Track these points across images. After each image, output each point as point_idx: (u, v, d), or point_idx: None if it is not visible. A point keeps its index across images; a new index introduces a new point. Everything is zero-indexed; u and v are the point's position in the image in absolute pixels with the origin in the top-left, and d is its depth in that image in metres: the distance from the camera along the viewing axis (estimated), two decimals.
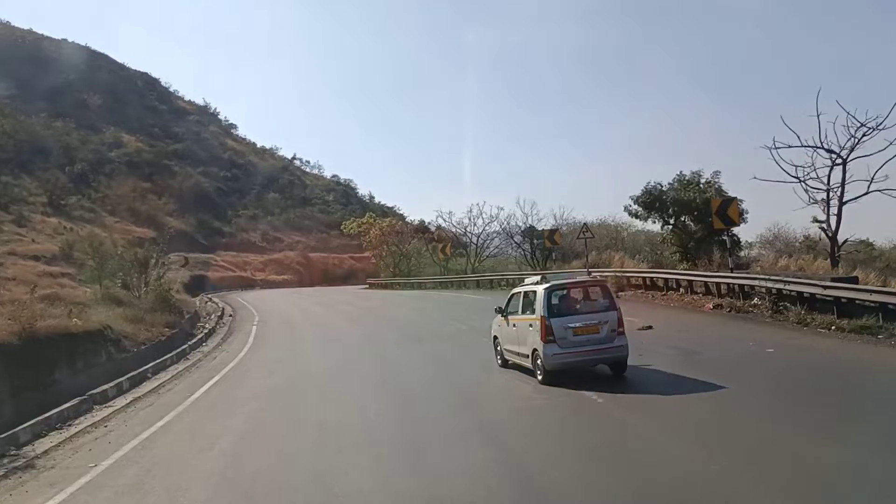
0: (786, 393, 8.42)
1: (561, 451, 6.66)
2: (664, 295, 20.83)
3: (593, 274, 26.44)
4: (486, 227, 43.96)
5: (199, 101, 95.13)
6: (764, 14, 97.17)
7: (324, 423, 8.73)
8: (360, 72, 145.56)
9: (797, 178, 19.52)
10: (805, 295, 14.41)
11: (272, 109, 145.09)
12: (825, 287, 13.62)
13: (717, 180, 24.55)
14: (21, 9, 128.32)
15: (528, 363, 10.26)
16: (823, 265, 19.57)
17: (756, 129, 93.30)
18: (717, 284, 18.61)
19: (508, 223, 41.50)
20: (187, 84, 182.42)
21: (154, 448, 8.07)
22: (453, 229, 46.91)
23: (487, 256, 44.98)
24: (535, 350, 9.83)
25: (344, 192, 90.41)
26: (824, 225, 19.37)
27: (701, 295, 19.35)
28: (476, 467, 6.26)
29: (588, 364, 9.84)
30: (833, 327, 12.68)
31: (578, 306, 10.19)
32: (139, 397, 11.79)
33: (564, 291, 10.22)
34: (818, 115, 18.84)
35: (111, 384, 12.05)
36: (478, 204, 57.37)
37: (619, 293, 23.19)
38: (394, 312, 25.05)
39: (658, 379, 9.59)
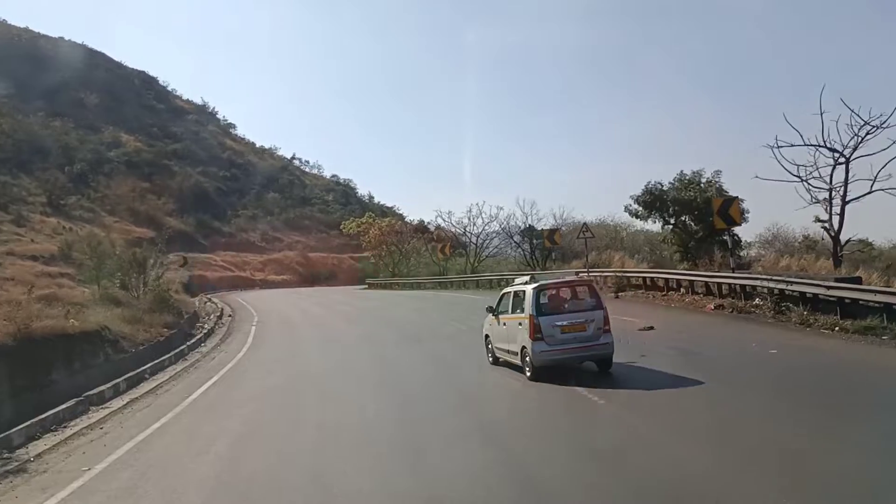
0: (789, 394, 8.31)
1: (565, 453, 6.54)
2: (665, 295, 20.72)
3: (593, 274, 26.42)
4: (486, 227, 43.93)
5: (198, 101, 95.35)
6: (764, 14, 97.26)
7: (323, 423, 8.64)
8: (360, 71, 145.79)
9: (799, 177, 19.42)
10: (808, 295, 14.31)
11: (271, 109, 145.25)
12: (828, 287, 13.51)
13: (717, 180, 24.50)
14: (17, 6, 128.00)
15: (517, 360, 10.52)
16: (825, 265, 19.46)
17: (756, 128, 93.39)
18: (719, 284, 18.51)
19: (508, 223, 41.49)
20: (185, 83, 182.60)
21: (150, 451, 7.94)
22: (453, 229, 46.88)
23: (487, 256, 44.88)
24: (524, 347, 10.12)
25: (343, 192, 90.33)
26: (826, 224, 19.24)
27: (702, 295, 19.25)
28: (476, 467, 6.22)
29: (575, 361, 10.11)
30: (836, 328, 12.57)
31: (566, 305, 10.51)
32: (136, 398, 11.66)
33: (552, 291, 10.64)
34: (821, 114, 18.73)
35: (108, 385, 11.92)
36: (477, 204, 57.20)
37: (620, 293, 23.16)
38: (393, 312, 24.95)
39: (661, 380, 9.47)
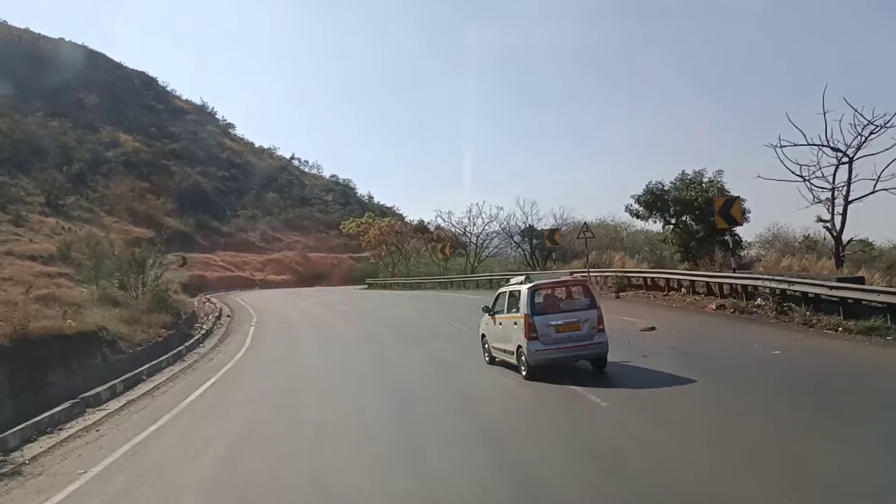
0: (794, 395, 8.22)
1: (564, 453, 6.45)
2: (665, 295, 20.64)
3: (593, 274, 26.36)
4: (486, 227, 43.83)
5: (197, 101, 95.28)
6: (764, 14, 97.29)
7: (322, 424, 8.58)
8: (360, 71, 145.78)
9: (802, 176, 19.29)
10: (810, 295, 14.23)
11: (270, 109, 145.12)
12: (831, 287, 13.42)
13: (719, 179, 24.37)
14: (17, 8, 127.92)
15: (513, 360, 10.61)
16: (827, 265, 19.35)
17: (756, 129, 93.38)
18: (720, 285, 18.42)
19: (508, 223, 41.40)
20: (184, 83, 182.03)
21: (146, 453, 7.83)
22: (453, 229, 46.77)
23: (487, 256, 44.79)
24: (519, 347, 10.22)
25: (343, 192, 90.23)
26: (829, 224, 19.10)
27: (703, 295, 19.17)
28: (475, 467, 6.18)
29: (570, 360, 10.21)
30: (840, 328, 12.49)
31: (561, 305, 10.62)
32: (133, 400, 11.56)
33: (547, 291, 10.77)
34: (825, 113, 18.60)
35: (104, 387, 11.81)
36: (477, 204, 57.15)
37: (620, 293, 23.08)
38: (393, 313, 24.85)
39: (663, 381, 9.37)
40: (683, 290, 20.22)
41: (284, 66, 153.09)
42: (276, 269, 62.88)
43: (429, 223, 55.55)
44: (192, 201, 64.54)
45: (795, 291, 14.75)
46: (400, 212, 74.82)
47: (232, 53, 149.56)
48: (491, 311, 11.61)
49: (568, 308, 10.44)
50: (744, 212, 20.49)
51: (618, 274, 24.72)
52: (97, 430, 9.36)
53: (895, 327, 11.56)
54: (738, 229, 22.30)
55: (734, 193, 22.00)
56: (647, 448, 6.45)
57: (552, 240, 30.68)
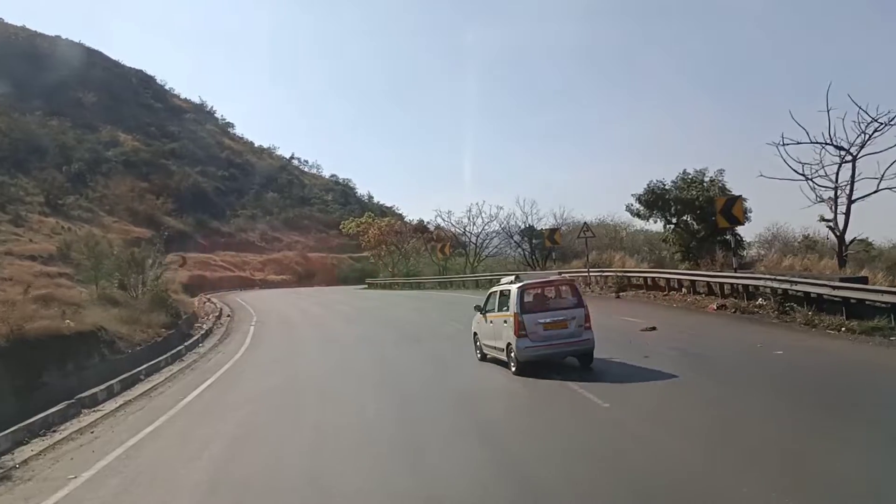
0: (796, 396, 8.11)
1: (562, 454, 6.36)
2: (666, 295, 20.54)
3: (593, 274, 26.26)
4: (486, 227, 43.71)
5: (195, 100, 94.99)
6: (764, 14, 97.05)
7: (321, 424, 8.54)
8: (360, 71, 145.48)
9: (804, 175, 19.11)
10: (812, 295, 14.13)
11: (270, 108, 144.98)
12: (834, 287, 13.31)
13: (720, 179, 24.23)
14: (14, 5, 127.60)
15: (503, 356, 10.96)
16: (829, 265, 19.21)
17: (756, 128, 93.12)
18: (721, 284, 18.33)
19: (508, 223, 41.28)
20: (183, 82, 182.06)
21: (140, 456, 7.70)
22: (452, 229, 46.65)
23: (487, 256, 44.67)
24: (509, 344, 10.57)
25: (343, 192, 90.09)
26: (832, 224, 18.93)
27: (704, 295, 19.07)
28: (476, 468, 6.14)
29: (557, 357, 10.54)
30: (843, 328, 12.38)
31: (549, 303, 11.03)
32: (130, 401, 11.43)
33: (536, 290, 11.14)
34: (828, 111, 18.39)
35: (101, 387, 11.68)
36: (477, 203, 57.04)
37: (621, 293, 22.98)
38: (393, 312, 24.76)
39: (665, 381, 9.27)
40: (684, 289, 20.12)
41: (284, 66, 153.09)
42: (275, 269, 62.81)
43: (428, 223, 55.49)
44: (191, 201, 64.42)
45: (797, 291, 14.64)
46: (400, 211, 74.86)
47: (231, 52, 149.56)
48: (483, 309, 11.91)
49: (556, 307, 10.83)
50: (745, 211, 20.36)
51: (618, 274, 24.61)
52: (91, 433, 9.23)
53: None
54: (739, 229, 22.17)
55: (735, 193, 21.85)
56: (649, 449, 6.34)
57: (552, 239, 30.58)
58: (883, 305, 12.21)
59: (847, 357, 10.43)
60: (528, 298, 10.74)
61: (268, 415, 9.69)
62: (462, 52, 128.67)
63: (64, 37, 78.50)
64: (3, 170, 43.81)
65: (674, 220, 25.55)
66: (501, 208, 45.69)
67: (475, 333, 12.50)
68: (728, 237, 21.90)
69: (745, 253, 25.71)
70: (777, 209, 53.65)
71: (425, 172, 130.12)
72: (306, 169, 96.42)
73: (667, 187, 25.09)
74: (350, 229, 54.86)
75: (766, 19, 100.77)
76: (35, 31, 75.51)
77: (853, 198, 18.39)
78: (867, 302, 12.73)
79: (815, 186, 19.05)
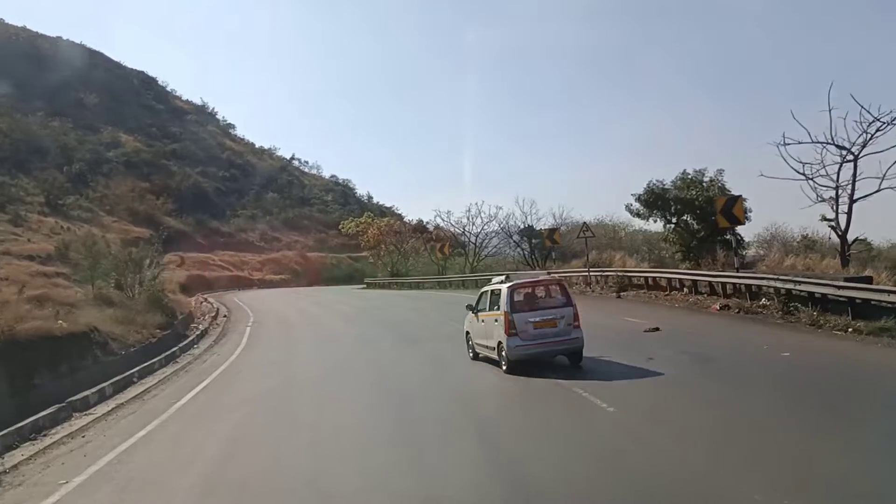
0: (807, 399, 7.90)
1: (577, 459, 6.16)
2: (667, 295, 20.35)
3: (593, 274, 26.07)
4: (485, 227, 43.51)
5: (197, 101, 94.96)
6: (764, 14, 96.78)
7: (319, 425, 8.46)
8: (360, 71, 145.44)
9: (805, 175, 18.91)
10: (816, 295, 13.92)
11: (271, 109, 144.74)
12: (839, 287, 13.11)
13: (720, 178, 24.03)
14: (15, 6, 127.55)
15: (494, 355, 11.11)
16: (831, 264, 19.00)
17: (756, 129, 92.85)
18: (723, 284, 18.13)
19: (507, 223, 41.08)
20: (184, 83, 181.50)
21: (132, 461, 7.51)
22: (452, 229, 46.46)
23: (486, 256, 44.50)
24: (500, 342, 10.71)
25: (342, 192, 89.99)
26: (833, 223, 18.72)
27: (705, 295, 18.89)
28: (474, 469, 6.09)
29: (547, 355, 10.65)
30: (849, 329, 12.18)
31: (538, 303, 11.16)
32: (122, 404, 11.23)
33: (526, 289, 11.25)
34: (829, 110, 18.18)
35: (93, 390, 11.46)
36: (476, 203, 56.92)
37: (621, 293, 22.78)
38: (392, 312, 24.59)
39: (671, 384, 9.09)
40: (686, 289, 19.93)
41: (284, 66, 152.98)
42: (274, 269, 62.69)
43: (428, 223, 55.26)
44: (191, 201, 64.31)
45: (801, 291, 14.44)
46: (399, 211, 74.60)
47: (232, 53, 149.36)
48: (474, 309, 12.05)
49: (545, 306, 10.99)
50: (745, 211, 20.17)
51: (619, 273, 24.42)
52: (83, 437, 9.04)
53: None
54: (739, 229, 21.99)
55: (734, 193, 21.63)
56: (657, 454, 6.18)
57: (552, 239, 30.39)
58: (889, 306, 12.00)
59: (857, 358, 10.21)
60: (518, 298, 10.86)
61: (264, 417, 9.54)
62: (462, 52, 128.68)
63: (65, 37, 78.55)
64: (3, 170, 43.67)
65: (674, 220, 25.36)
66: (501, 208, 45.46)
67: (467, 333, 12.64)
68: (729, 237, 21.69)
69: (744, 253, 25.52)
70: (775, 209, 53.34)
71: (425, 172, 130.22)
72: (306, 169, 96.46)
73: (666, 187, 24.91)
74: (349, 229, 54.74)
75: (766, 19, 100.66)
76: (36, 32, 75.42)
77: (855, 197, 18.19)
78: (873, 302, 12.53)
79: (817, 186, 18.88)
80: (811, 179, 18.85)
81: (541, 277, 12.42)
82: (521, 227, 38.90)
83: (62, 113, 62.40)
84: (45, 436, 9.17)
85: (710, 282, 18.90)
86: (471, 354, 12.39)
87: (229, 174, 77.04)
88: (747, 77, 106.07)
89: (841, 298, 13.15)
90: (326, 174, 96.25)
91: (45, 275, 23.05)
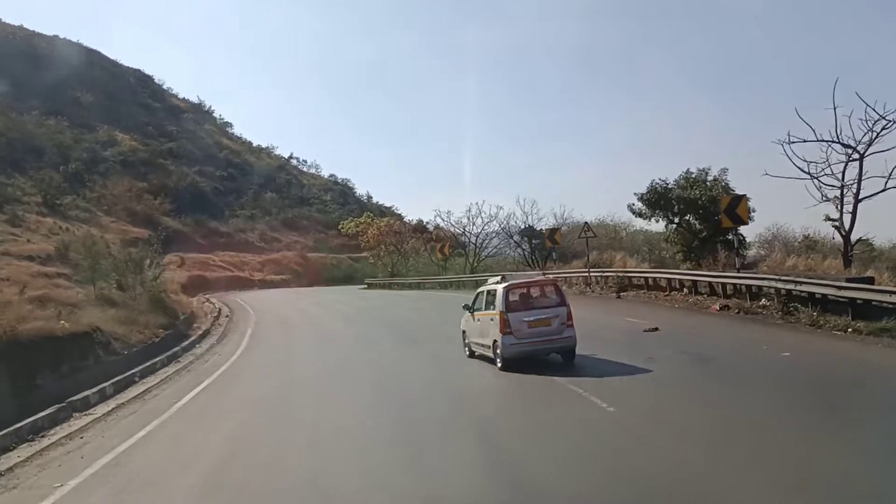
0: (806, 400, 7.89)
1: (581, 461, 6.13)
2: (667, 295, 20.34)
3: (593, 274, 26.05)
4: (485, 227, 43.45)
5: (194, 99, 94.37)
6: (764, 14, 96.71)
7: (319, 425, 8.43)
8: (359, 71, 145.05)
9: (809, 174, 18.84)
10: (817, 296, 13.91)
11: (268, 108, 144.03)
12: (840, 288, 13.10)
13: (724, 178, 24.01)
14: (11, 4, 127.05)
15: (490, 353, 11.36)
16: (833, 265, 18.97)
17: (756, 128, 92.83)
18: (723, 285, 18.11)
19: (508, 222, 41.04)
20: (181, 82, 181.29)
21: (130, 463, 7.44)
22: (452, 229, 46.41)
23: (486, 256, 44.45)
24: (495, 341, 11.01)
25: (342, 192, 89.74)
26: (837, 223, 18.66)
27: (706, 295, 18.88)
28: (474, 469, 6.07)
29: (541, 353, 10.89)
30: (849, 329, 12.18)
31: (533, 302, 11.43)
32: (123, 404, 11.16)
33: (521, 290, 11.52)
34: (834, 109, 18.11)
35: (93, 390, 11.39)
36: (477, 203, 56.82)
37: (621, 293, 22.76)
38: (392, 313, 24.56)
39: (671, 385, 9.08)
40: (686, 290, 19.92)
41: (283, 65, 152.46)
42: (275, 270, 62.58)
43: (428, 223, 55.22)
44: (190, 201, 64.06)
45: (802, 292, 14.43)
46: (399, 212, 74.51)
47: (230, 52, 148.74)
48: (471, 308, 12.33)
49: (540, 305, 11.25)
50: (749, 211, 20.15)
51: (619, 274, 24.40)
52: (81, 438, 8.96)
53: None
54: (741, 229, 21.96)
55: (736, 192, 21.58)
56: (657, 454, 6.15)
57: (553, 239, 30.36)
58: (890, 306, 11.98)
59: (857, 359, 10.20)
60: (513, 298, 11.11)
61: (265, 416, 9.51)
62: (462, 52, 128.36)
63: (62, 36, 78.03)
64: (0, 169, 43.55)
65: (676, 220, 25.33)
66: (501, 208, 45.38)
67: (464, 331, 12.93)
68: (731, 237, 21.68)
69: (746, 253, 25.51)
70: (777, 209, 53.48)
71: (425, 172, 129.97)
72: (305, 169, 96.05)
73: (669, 186, 24.88)
74: (349, 229, 54.66)
75: (766, 19, 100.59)
76: (33, 31, 75.04)
77: (860, 196, 18.12)
78: (874, 303, 12.52)
79: (821, 185, 18.81)
80: (816, 178, 18.81)
81: (536, 278, 12.69)
82: (522, 227, 38.93)
83: (59, 112, 62.09)
84: (42, 437, 9.07)
85: (710, 282, 18.90)
86: (467, 352, 12.67)
87: (227, 173, 76.77)
88: (747, 77, 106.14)
89: (842, 299, 13.14)
90: (325, 173, 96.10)
91: (46, 275, 22.98)
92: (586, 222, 28.92)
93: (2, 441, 8.55)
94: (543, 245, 34.34)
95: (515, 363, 10.66)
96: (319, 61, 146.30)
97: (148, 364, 14.53)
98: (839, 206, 18.50)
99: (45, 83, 60.35)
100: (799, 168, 18.89)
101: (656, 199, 24.85)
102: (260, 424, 9.02)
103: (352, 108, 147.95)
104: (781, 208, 51.75)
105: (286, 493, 5.95)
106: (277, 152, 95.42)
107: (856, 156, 18.12)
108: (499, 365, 10.92)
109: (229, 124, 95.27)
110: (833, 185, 18.62)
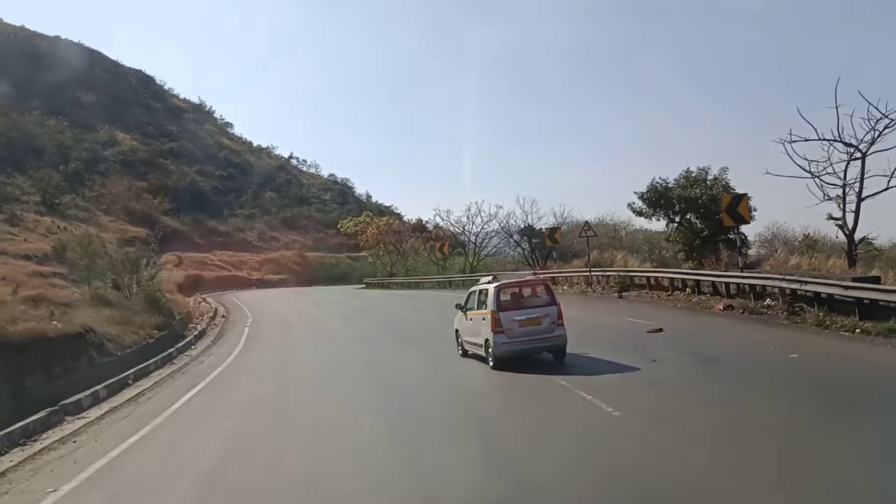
0: (817, 402, 7.68)
1: (586, 464, 5.93)
2: (670, 295, 20.14)
3: (594, 273, 25.86)
4: (485, 226, 43.27)
5: (194, 100, 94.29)
6: (764, 14, 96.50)
7: (317, 426, 8.34)
8: (359, 71, 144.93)
9: (811, 172, 18.64)
10: (822, 295, 13.71)
11: (269, 108, 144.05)
12: (846, 287, 12.90)
13: (724, 177, 23.82)
14: (13, 5, 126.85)
15: (482, 352, 11.45)
16: (837, 264, 18.76)
17: (756, 128, 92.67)
18: (727, 284, 17.91)
19: (507, 222, 40.85)
20: (182, 82, 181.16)
21: (124, 468, 7.27)
22: (451, 228, 46.21)
23: (486, 256, 44.27)
24: (486, 340, 11.06)
25: (341, 192, 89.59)
26: (840, 222, 18.46)
27: (709, 295, 18.68)
28: (474, 469, 6.02)
29: (532, 352, 10.95)
30: (857, 330, 11.96)
31: (524, 302, 11.53)
32: (116, 407, 10.96)
33: (512, 289, 11.68)
34: (836, 107, 17.89)
35: (86, 393, 11.19)
36: (476, 202, 56.66)
37: (623, 293, 22.55)
38: (390, 312, 24.40)
39: (678, 388, 8.88)
40: (688, 289, 19.73)
41: (283, 66, 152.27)
42: (273, 269, 62.39)
43: (427, 222, 55.02)
44: (189, 200, 63.92)
45: (807, 291, 14.23)
46: (398, 211, 74.35)
47: (230, 52, 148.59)
48: (463, 308, 12.41)
49: (531, 305, 11.34)
50: (750, 210, 19.95)
51: (620, 273, 24.20)
52: (74, 442, 8.79)
53: None
54: (743, 228, 21.76)
55: (737, 192, 21.38)
56: (660, 455, 6.02)
57: (553, 238, 30.17)
58: None
59: (866, 360, 9.98)
60: (504, 297, 11.24)
61: (263, 417, 9.40)
62: (462, 52, 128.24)
63: (63, 37, 77.99)
64: None
65: (677, 219, 25.16)
66: (501, 207, 45.17)
67: (457, 330, 12.98)
68: (732, 236, 21.49)
69: (747, 252, 25.32)
70: (776, 208, 53.33)
71: (424, 172, 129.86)
72: (304, 168, 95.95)
73: (670, 185, 24.69)
74: (348, 229, 54.51)
75: (766, 19, 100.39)
76: (34, 31, 74.95)
77: (863, 195, 17.93)
78: (881, 302, 12.31)
79: (823, 184, 18.61)
80: (817, 177, 18.60)
81: (527, 278, 12.82)
82: (522, 226, 38.72)
83: (59, 112, 61.98)
84: (34, 441, 8.91)
85: (713, 282, 18.69)
86: (460, 351, 12.75)
87: (227, 173, 76.64)
88: (747, 77, 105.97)
89: (848, 299, 12.93)
90: (325, 173, 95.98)
91: (42, 275, 22.79)
92: (587, 221, 28.76)
93: None
94: (543, 244, 34.15)
95: (507, 362, 10.70)
96: (319, 61, 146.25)
97: (142, 366, 14.33)
98: (842, 205, 18.29)
99: (46, 83, 60.18)
100: (800, 167, 18.69)
101: (657, 198, 24.68)
102: (257, 425, 8.90)
103: (352, 107, 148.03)
104: (782, 208, 51.62)
105: (284, 494, 5.91)
106: (277, 152, 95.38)
107: (858, 155, 17.91)
108: (490, 364, 10.97)
109: (230, 124, 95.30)
110: (835, 184, 18.43)
